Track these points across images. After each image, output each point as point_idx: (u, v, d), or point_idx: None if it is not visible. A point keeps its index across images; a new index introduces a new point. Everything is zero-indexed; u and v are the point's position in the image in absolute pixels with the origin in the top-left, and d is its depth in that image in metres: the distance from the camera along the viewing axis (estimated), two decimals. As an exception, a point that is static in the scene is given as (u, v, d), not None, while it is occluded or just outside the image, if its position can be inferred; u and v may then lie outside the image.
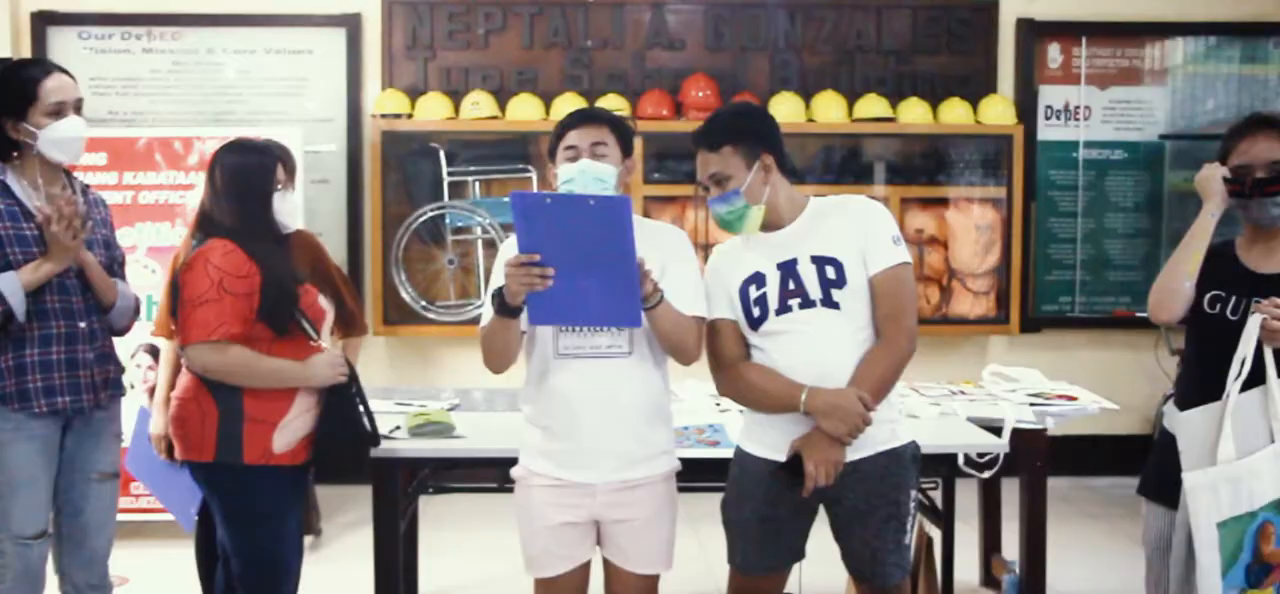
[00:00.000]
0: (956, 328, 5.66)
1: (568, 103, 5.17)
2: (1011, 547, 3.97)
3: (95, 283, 2.72)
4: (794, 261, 2.48)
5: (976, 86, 5.65)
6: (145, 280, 4.46)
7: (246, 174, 2.66)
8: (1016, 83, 5.74)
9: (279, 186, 2.68)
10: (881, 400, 2.43)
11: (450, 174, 5.42)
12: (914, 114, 5.51)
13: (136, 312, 2.89)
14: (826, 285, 2.45)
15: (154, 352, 3.38)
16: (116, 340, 2.92)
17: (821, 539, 2.61)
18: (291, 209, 2.72)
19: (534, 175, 5.43)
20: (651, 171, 5.44)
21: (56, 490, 2.78)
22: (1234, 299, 2.49)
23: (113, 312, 2.78)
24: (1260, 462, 2.37)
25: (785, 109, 5.35)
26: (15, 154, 2.69)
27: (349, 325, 2.93)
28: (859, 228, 2.47)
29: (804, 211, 2.54)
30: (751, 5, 5.65)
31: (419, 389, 4.18)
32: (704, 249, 5.03)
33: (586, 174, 2.45)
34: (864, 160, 5.64)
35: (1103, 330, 5.83)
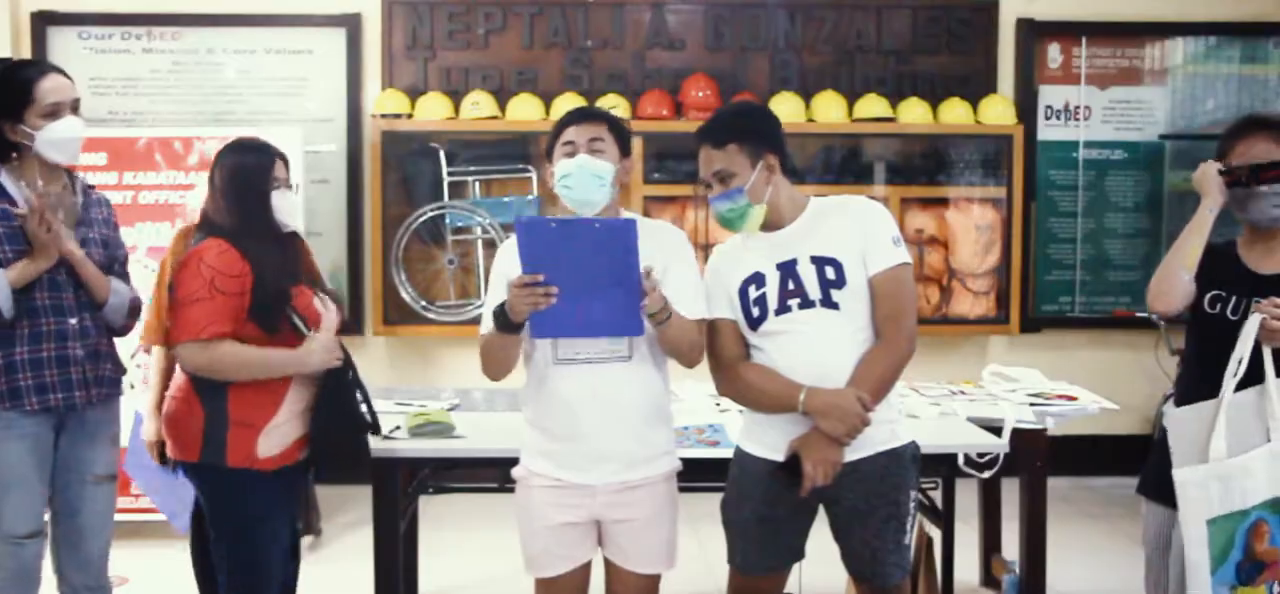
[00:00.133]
0: (956, 328, 5.66)
1: (568, 103, 5.16)
2: (1011, 547, 3.97)
3: (86, 280, 2.71)
4: (794, 262, 2.48)
5: (976, 86, 5.65)
6: (145, 280, 4.46)
7: (245, 173, 2.66)
8: (1016, 83, 5.74)
9: (277, 185, 2.68)
10: (880, 401, 2.43)
11: (450, 174, 5.42)
12: (914, 114, 5.51)
13: (134, 311, 2.88)
14: (826, 286, 2.45)
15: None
16: (118, 341, 2.92)
17: (821, 539, 2.61)
18: (291, 207, 2.72)
19: (534, 175, 5.43)
20: (651, 171, 5.44)
21: (53, 491, 2.77)
22: (1234, 299, 2.49)
23: (106, 309, 2.76)
24: (1255, 460, 2.37)
25: (785, 109, 5.35)
26: (15, 155, 2.69)
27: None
28: (859, 228, 2.47)
29: (804, 212, 2.54)
30: (751, 5, 5.65)
31: (419, 389, 4.18)
32: (704, 249, 5.03)
33: (584, 170, 2.45)
34: (864, 160, 5.64)
35: (1103, 330, 5.83)
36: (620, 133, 2.54)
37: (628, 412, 2.48)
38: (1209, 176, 2.54)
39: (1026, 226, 5.64)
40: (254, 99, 5.55)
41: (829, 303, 2.45)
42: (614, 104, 5.29)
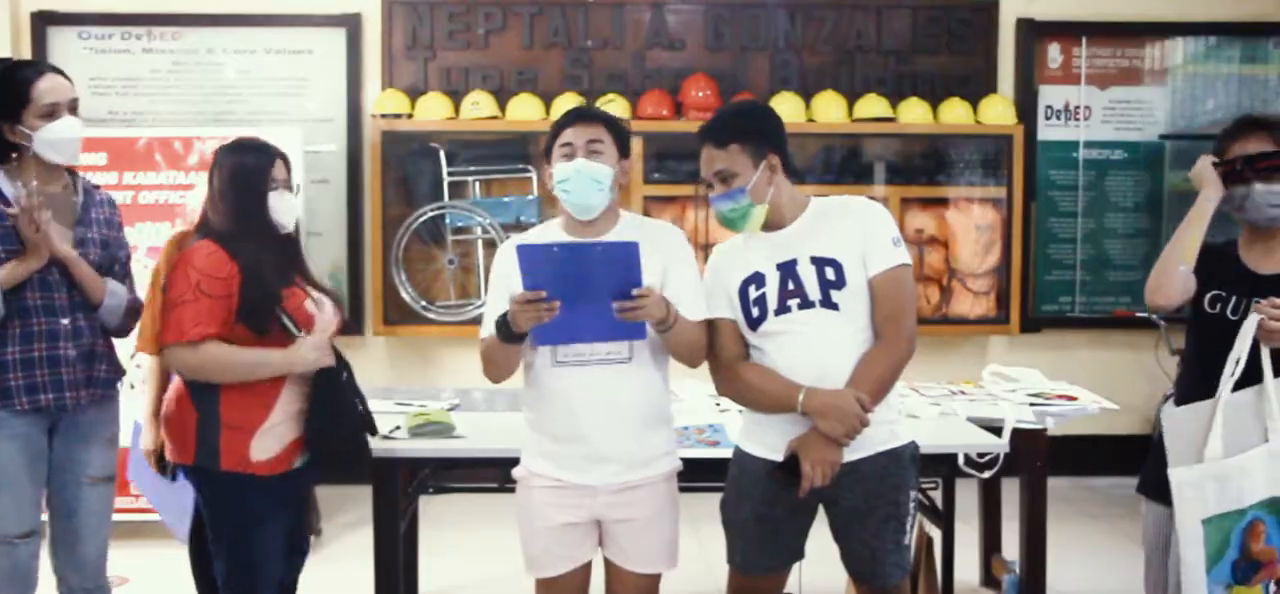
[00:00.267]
0: (956, 328, 5.66)
1: (567, 103, 5.16)
2: (1011, 547, 3.97)
3: (80, 280, 2.70)
4: (794, 262, 2.48)
5: (976, 86, 5.65)
6: (145, 281, 4.46)
7: (244, 173, 2.65)
8: (1016, 83, 5.74)
9: (276, 186, 2.66)
10: (879, 401, 2.43)
11: (450, 174, 5.42)
12: (914, 114, 5.51)
13: (134, 312, 2.87)
14: (826, 286, 2.45)
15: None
16: (117, 342, 2.91)
17: (821, 539, 2.61)
18: (288, 208, 2.69)
19: (533, 175, 5.44)
20: (651, 171, 5.44)
21: (49, 492, 2.77)
22: (1234, 299, 2.49)
23: (102, 310, 2.76)
24: (1252, 460, 2.37)
25: (785, 109, 5.34)
26: (15, 155, 2.69)
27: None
28: (859, 229, 2.47)
29: (805, 212, 2.54)
30: (751, 5, 5.65)
31: (419, 389, 4.18)
32: (704, 249, 5.03)
33: (582, 175, 2.45)
34: (864, 160, 5.64)
35: (1103, 330, 5.83)
36: (619, 133, 2.54)
37: (628, 413, 2.49)
38: (1204, 169, 2.54)
39: (1026, 226, 5.64)
40: (254, 99, 5.55)
41: (829, 303, 2.45)
42: (611, 100, 5.29)
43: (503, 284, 2.52)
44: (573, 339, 2.42)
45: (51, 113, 2.66)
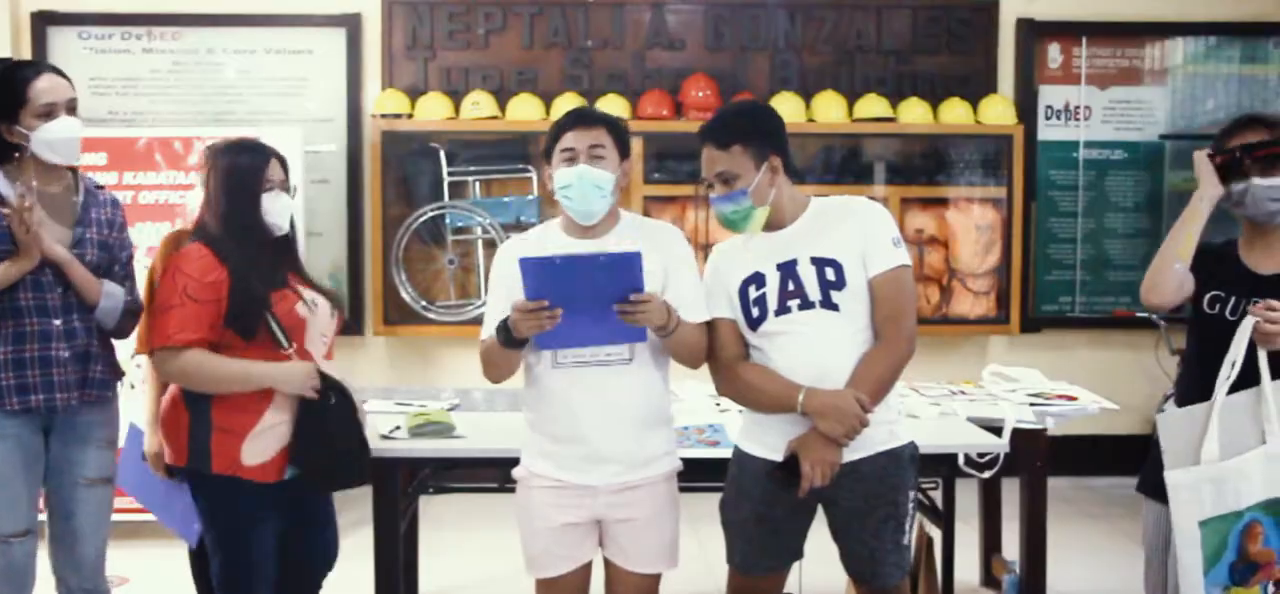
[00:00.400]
0: (956, 328, 5.66)
1: (567, 103, 5.16)
2: (1011, 547, 3.97)
3: (75, 281, 2.69)
4: (794, 262, 2.47)
5: (976, 86, 5.65)
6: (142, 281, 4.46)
7: (238, 174, 2.62)
8: (1016, 83, 5.74)
9: (271, 187, 2.63)
10: (879, 402, 2.43)
11: (450, 174, 5.42)
12: (914, 114, 5.50)
13: (132, 313, 2.84)
14: (826, 287, 2.45)
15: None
16: (117, 342, 2.90)
17: (821, 539, 2.60)
18: (283, 209, 2.66)
19: (534, 175, 5.43)
20: (651, 171, 5.44)
21: (47, 492, 2.77)
22: (1234, 299, 2.49)
23: (97, 312, 2.74)
24: (1249, 462, 2.37)
25: (785, 109, 5.33)
26: (16, 155, 2.69)
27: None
28: (859, 230, 2.47)
29: (805, 212, 2.54)
30: (751, 5, 5.64)
31: (419, 389, 4.18)
32: (704, 248, 5.02)
33: (585, 181, 2.45)
34: (864, 160, 5.64)
35: (1103, 330, 5.83)
36: (620, 135, 2.54)
37: (628, 413, 2.49)
38: (1201, 163, 2.54)
39: (1026, 226, 5.64)
40: (254, 99, 5.55)
41: (829, 304, 2.45)
42: (615, 105, 5.29)
43: (503, 286, 2.52)
44: (574, 344, 2.43)
45: (48, 113, 2.66)
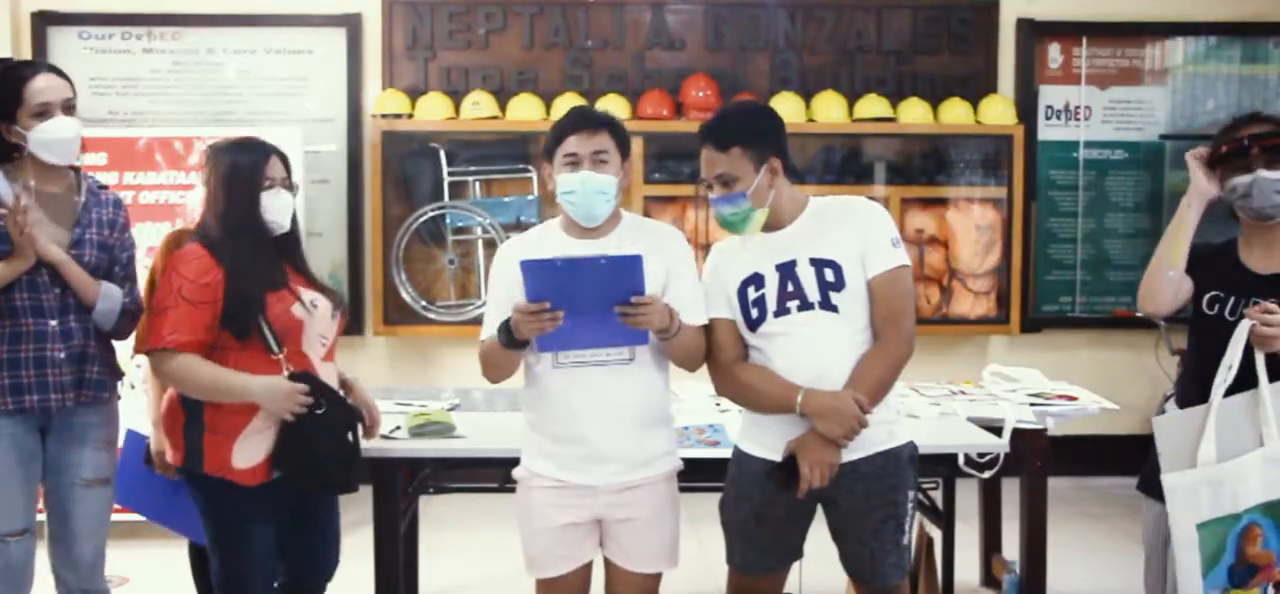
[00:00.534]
0: (956, 328, 5.66)
1: (568, 102, 5.16)
2: (1012, 547, 3.97)
3: (71, 282, 2.68)
4: (793, 263, 2.47)
5: (977, 86, 5.65)
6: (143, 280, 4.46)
7: (237, 173, 2.61)
8: (1017, 83, 5.74)
9: (269, 185, 2.61)
10: (878, 402, 2.43)
11: (450, 174, 5.42)
12: (914, 114, 5.50)
13: (129, 313, 2.82)
14: (825, 288, 2.45)
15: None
16: (118, 343, 2.90)
17: (820, 539, 2.61)
18: (283, 208, 2.64)
19: (534, 175, 5.43)
20: (652, 171, 5.44)
21: (45, 492, 2.77)
22: (1233, 300, 2.48)
23: (95, 313, 2.73)
24: (1246, 465, 2.37)
25: (785, 109, 5.33)
26: (17, 155, 2.69)
27: None
28: (858, 231, 2.47)
29: (804, 212, 2.54)
30: (751, 5, 5.64)
31: (419, 389, 4.18)
32: (703, 248, 5.02)
33: (588, 186, 2.45)
34: (864, 160, 5.64)
35: (1103, 330, 5.83)
36: (622, 136, 2.53)
37: (629, 414, 2.49)
38: (1192, 164, 2.53)
39: (1027, 226, 5.64)
40: (254, 99, 5.55)
41: (828, 305, 2.45)
42: (615, 105, 5.29)
43: (503, 286, 2.52)
44: (576, 346, 2.43)
45: (43, 112, 2.65)
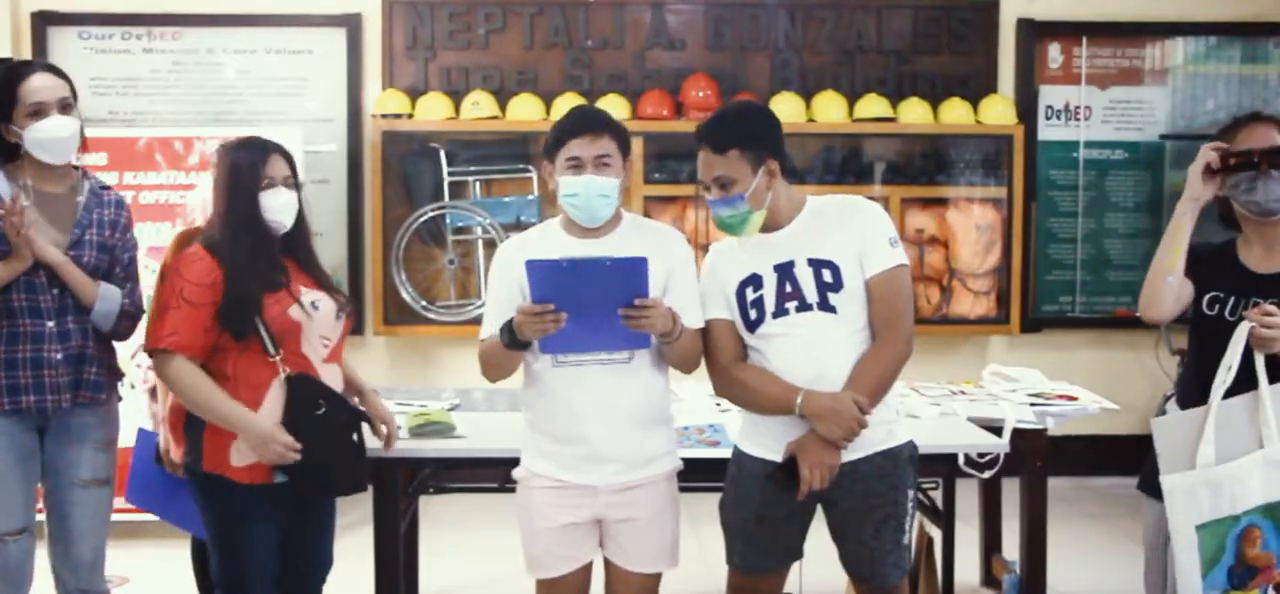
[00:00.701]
0: (956, 328, 5.66)
1: (567, 103, 5.16)
2: (1012, 547, 3.97)
3: (69, 283, 2.68)
4: (791, 263, 2.47)
5: (977, 86, 5.65)
6: (144, 280, 4.46)
7: (236, 172, 2.60)
8: (1017, 83, 5.74)
9: (270, 183, 2.60)
10: (878, 403, 2.43)
11: (451, 174, 5.42)
12: (914, 114, 5.50)
13: (129, 315, 2.82)
14: (823, 289, 2.44)
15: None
16: (119, 343, 2.89)
17: (820, 539, 2.61)
18: (284, 206, 2.62)
19: (534, 175, 5.43)
20: (652, 171, 5.43)
21: (45, 493, 2.78)
22: (1233, 300, 2.48)
23: (93, 314, 2.73)
24: (1246, 467, 2.37)
25: (785, 109, 5.34)
26: (20, 155, 2.69)
27: None
28: (856, 231, 2.47)
29: (801, 212, 2.54)
30: (751, 5, 5.64)
31: (419, 389, 4.18)
32: (703, 248, 5.01)
33: (591, 189, 2.45)
34: (864, 160, 5.63)
35: (1103, 330, 5.82)
36: (623, 138, 2.53)
37: (628, 415, 2.49)
38: (1192, 175, 2.52)
39: (1027, 226, 5.64)
40: (254, 99, 5.55)
41: (826, 306, 2.44)
42: (615, 105, 5.29)
43: (503, 286, 2.52)
44: (579, 348, 2.43)
45: (38, 112, 2.65)
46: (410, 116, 5.42)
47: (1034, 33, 5.72)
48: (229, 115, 5.50)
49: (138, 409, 3.37)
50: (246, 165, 2.60)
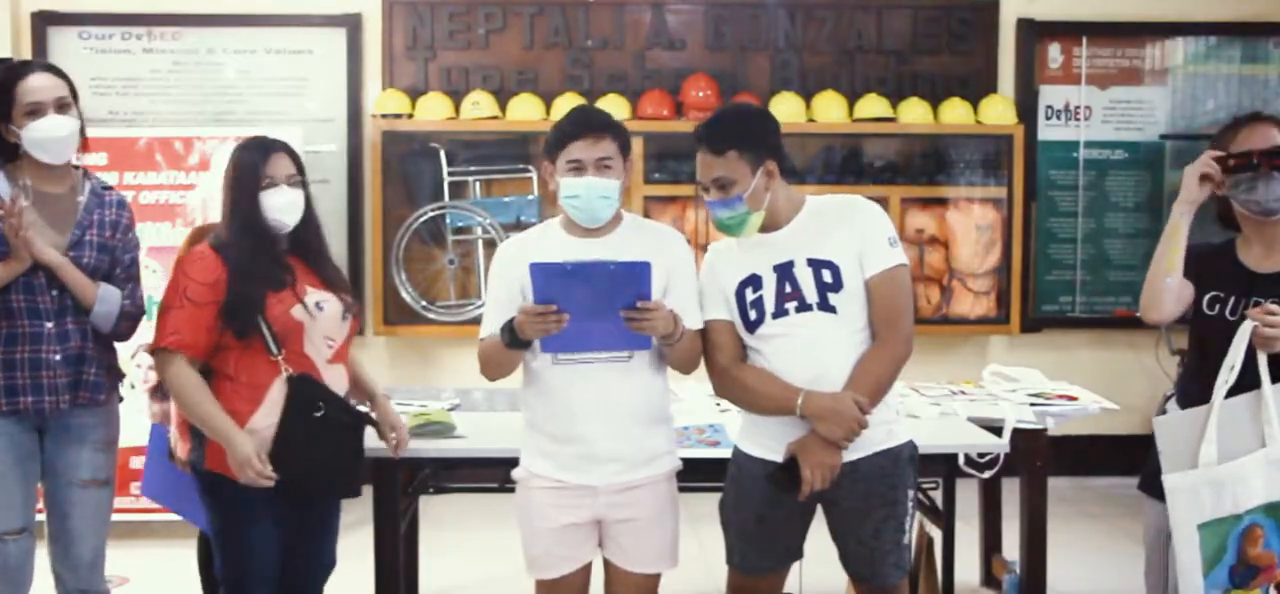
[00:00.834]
0: (957, 328, 5.66)
1: (567, 103, 5.15)
2: (1012, 547, 3.97)
3: (69, 284, 2.68)
4: (790, 264, 2.47)
5: (977, 86, 5.65)
6: (146, 281, 4.45)
7: (238, 171, 2.61)
8: (1017, 83, 5.74)
9: (271, 183, 2.59)
10: (878, 403, 2.43)
11: (451, 174, 5.42)
12: (914, 114, 5.50)
13: (129, 316, 2.81)
14: (823, 289, 2.44)
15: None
16: (119, 344, 2.89)
17: (821, 539, 2.61)
18: (287, 205, 2.62)
19: (534, 175, 5.43)
20: (652, 172, 5.43)
21: (44, 493, 2.78)
22: (1233, 300, 2.49)
23: (93, 315, 2.73)
24: (1248, 466, 2.37)
25: (785, 109, 5.35)
26: (19, 156, 2.69)
27: None
28: (856, 231, 2.47)
29: (801, 212, 2.53)
30: (751, 5, 5.64)
31: (419, 389, 4.18)
32: (703, 248, 5.00)
33: (592, 191, 2.45)
34: (864, 160, 5.63)
35: (1103, 330, 5.82)
36: (624, 139, 2.53)
37: (627, 414, 2.49)
38: (1187, 176, 2.52)
39: (1027, 226, 5.64)
40: (254, 99, 5.55)
41: (826, 306, 2.44)
42: (615, 105, 5.29)
43: (503, 285, 2.52)
44: (580, 348, 2.43)
45: (35, 111, 2.64)
46: (410, 116, 5.42)
47: (1034, 33, 5.72)
48: (229, 115, 5.50)
49: (138, 409, 3.37)
50: (247, 165, 2.61)
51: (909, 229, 5.50)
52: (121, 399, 2.93)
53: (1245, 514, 2.38)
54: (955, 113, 5.50)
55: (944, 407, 3.60)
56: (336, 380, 2.67)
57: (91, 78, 5.41)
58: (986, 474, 3.34)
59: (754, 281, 2.49)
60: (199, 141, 4.87)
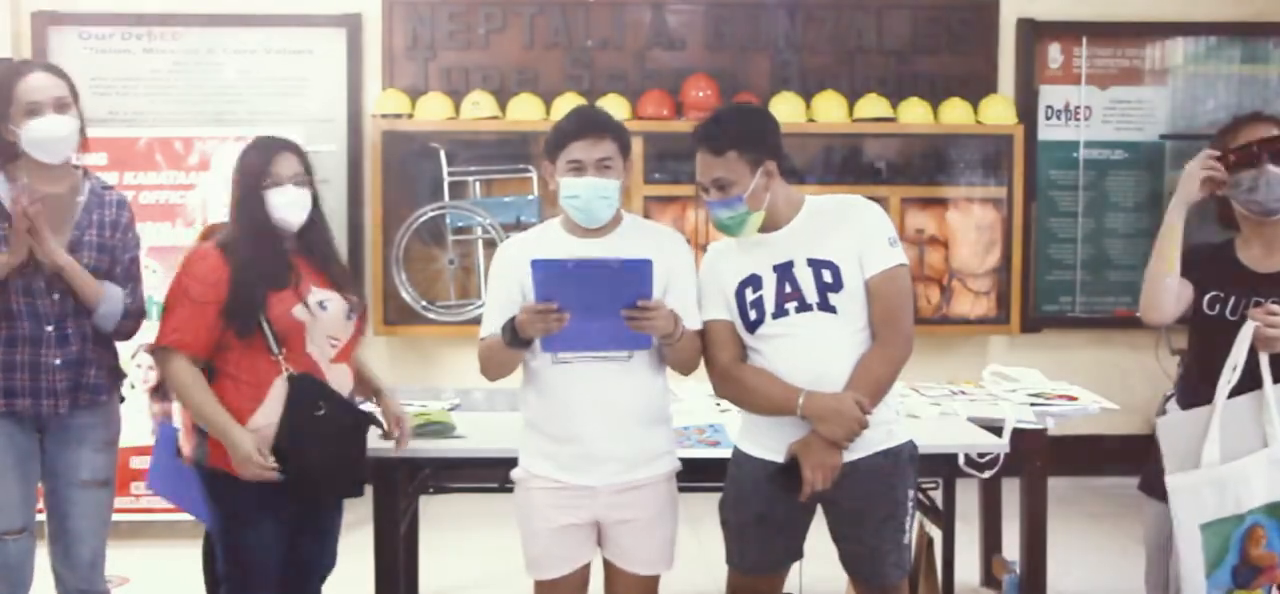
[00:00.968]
0: (956, 328, 5.66)
1: (567, 103, 5.15)
2: (1012, 547, 3.97)
3: (76, 285, 2.67)
4: (790, 264, 2.47)
5: (977, 86, 5.65)
6: (147, 281, 4.46)
7: (242, 171, 2.62)
8: (1017, 83, 5.74)
9: (276, 182, 2.60)
10: (878, 403, 2.43)
11: (451, 174, 5.42)
12: (914, 114, 5.50)
13: (131, 315, 2.81)
14: (823, 289, 2.44)
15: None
16: (120, 344, 2.89)
17: (821, 539, 2.61)
18: (290, 204, 2.62)
19: (534, 175, 5.43)
20: (652, 172, 5.43)
21: (44, 493, 2.78)
22: (1233, 299, 2.48)
23: (96, 315, 2.72)
24: (1250, 466, 2.37)
25: (785, 109, 5.34)
26: (18, 155, 2.68)
27: None
28: (855, 231, 2.47)
29: (800, 212, 2.53)
30: (751, 5, 5.64)
31: (419, 389, 4.18)
32: (703, 248, 5.00)
33: (592, 191, 2.45)
34: (864, 160, 5.63)
35: (1103, 330, 5.82)
36: (624, 139, 2.53)
37: (627, 414, 2.49)
38: (1186, 174, 2.51)
39: (1027, 226, 5.64)
40: (254, 99, 5.55)
41: (826, 307, 2.44)
42: (615, 105, 5.29)
43: (503, 285, 2.52)
44: (580, 347, 2.44)
45: (34, 111, 2.64)
46: (410, 117, 5.42)
47: (1034, 33, 5.72)
48: (229, 115, 5.50)
49: (139, 409, 3.37)
50: (252, 164, 2.63)
51: (909, 229, 5.50)
52: (123, 399, 2.92)
53: (1248, 514, 2.38)
54: (955, 113, 5.50)
55: (944, 407, 3.60)
56: (340, 380, 2.67)
57: (91, 78, 5.41)
58: (986, 474, 3.34)
59: (754, 282, 2.49)
60: (199, 141, 4.87)
